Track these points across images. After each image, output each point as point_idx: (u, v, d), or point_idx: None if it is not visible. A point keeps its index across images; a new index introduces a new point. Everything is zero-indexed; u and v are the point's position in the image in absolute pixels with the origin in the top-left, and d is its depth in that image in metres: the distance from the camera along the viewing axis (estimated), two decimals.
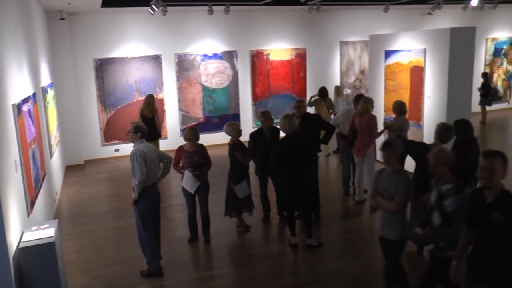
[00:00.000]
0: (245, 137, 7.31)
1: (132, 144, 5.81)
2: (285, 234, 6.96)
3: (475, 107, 15.16)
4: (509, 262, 3.47)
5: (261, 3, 11.86)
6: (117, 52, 12.33)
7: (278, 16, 14.03)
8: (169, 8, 11.24)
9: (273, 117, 7.54)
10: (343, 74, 15.26)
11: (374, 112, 8.08)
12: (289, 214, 6.59)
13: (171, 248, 6.66)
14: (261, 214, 7.65)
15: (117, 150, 12.51)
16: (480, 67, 17.36)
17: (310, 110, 11.79)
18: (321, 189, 7.81)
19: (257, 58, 13.85)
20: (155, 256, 5.91)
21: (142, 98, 11.16)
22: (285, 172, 6.27)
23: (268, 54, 13.98)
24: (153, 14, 11.01)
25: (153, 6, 10.34)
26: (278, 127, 7.08)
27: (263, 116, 7.34)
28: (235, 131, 6.87)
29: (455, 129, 5.94)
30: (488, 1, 14.76)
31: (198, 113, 13.38)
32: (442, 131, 5.75)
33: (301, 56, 14.41)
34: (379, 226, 4.91)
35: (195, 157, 6.53)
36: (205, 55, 13.22)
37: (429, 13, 15.45)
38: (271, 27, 14.04)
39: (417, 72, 9.45)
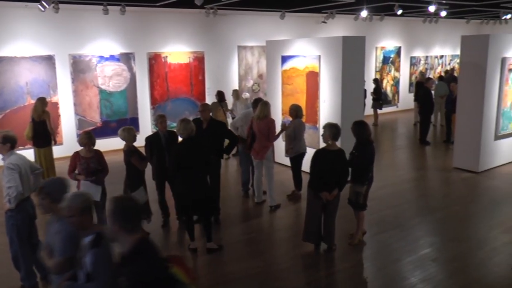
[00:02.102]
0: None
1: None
2: (185, 239, 6.95)
3: (368, 110, 16.25)
4: None
5: (158, 4, 11.74)
6: (4, 51, 11.44)
7: (176, 18, 13.95)
8: (61, 6, 10.73)
9: (168, 121, 7.53)
10: (241, 78, 15.55)
11: (272, 116, 8.34)
12: (187, 218, 6.60)
13: None
14: (160, 220, 7.57)
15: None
16: (371, 74, 18.61)
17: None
18: (221, 191, 7.92)
19: (155, 61, 13.65)
20: (30, 272, 5.59)
21: (35, 101, 10.51)
22: (182, 176, 6.28)
23: (166, 56, 13.84)
24: (43, 11, 10.44)
25: (43, 2, 9.79)
26: (175, 130, 7.08)
27: (158, 119, 7.30)
28: (130, 136, 6.74)
29: (354, 129, 6.48)
30: (376, 13, 15.86)
31: (95, 117, 12.89)
32: (336, 130, 6.19)
33: (199, 60, 14.44)
34: None
35: (91, 163, 6.32)
36: (102, 57, 12.77)
37: (324, 22, 16.24)
38: (168, 30, 13.92)
39: (312, 77, 9.91)
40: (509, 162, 11.00)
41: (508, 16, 18.56)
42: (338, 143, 8.80)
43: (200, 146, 6.36)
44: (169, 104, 14.00)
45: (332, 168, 6.10)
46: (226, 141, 7.79)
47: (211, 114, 7.65)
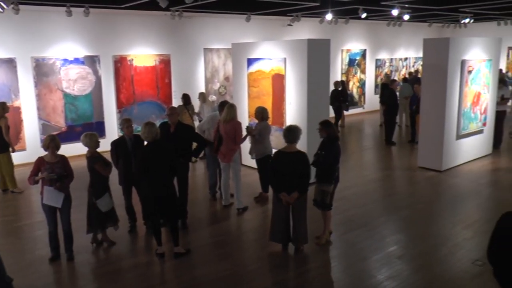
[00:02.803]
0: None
1: None
2: (152, 244, 6.85)
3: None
4: None
5: (123, 6, 11.59)
6: None
7: (141, 21, 13.81)
8: (22, 7, 10.47)
9: (134, 125, 7.44)
10: (208, 81, 15.50)
11: (239, 118, 8.35)
12: (154, 223, 6.52)
13: (31, 270, 6.20)
14: (127, 226, 7.47)
15: None
16: (337, 76, 18.85)
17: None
18: (189, 195, 7.86)
19: (120, 64, 13.48)
20: None
21: None
22: (148, 180, 6.22)
23: (132, 59, 13.67)
24: (2, 12, 10.15)
25: (1, 3, 9.52)
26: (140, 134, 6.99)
27: (123, 124, 7.20)
28: (92, 142, 6.59)
29: (320, 129, 6.59)
30: (341, 16, 16.08)
31: (59, 122, 12.60)
32: (292, 133, 6.26)
33: (165, 63, 14.33)
34: None
35: (56, 169, 6.18)
36: (66, 60, 12.51)
37: (289, 25, 16.35)
38: (134, 32, 13.76)
39: (278, 80, 9.96)
40: (470, 161, 11.32)
41: (467, 20, 19.14)
42: (305, 144, 9.00)
43: (165, 149, 6.31)
44: (136, 107, 13.84)
45: (291, 170, 6.13)
46: (195, 145, 7.76)
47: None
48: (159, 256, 6.48)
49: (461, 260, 6.25)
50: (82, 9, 11.51)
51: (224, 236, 7.30)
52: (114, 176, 6.97)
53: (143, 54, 13.90)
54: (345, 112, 16.88)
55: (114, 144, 7.24)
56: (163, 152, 6.26)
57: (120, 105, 13.56)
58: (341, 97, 15.91)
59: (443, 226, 7.55)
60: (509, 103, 13.18)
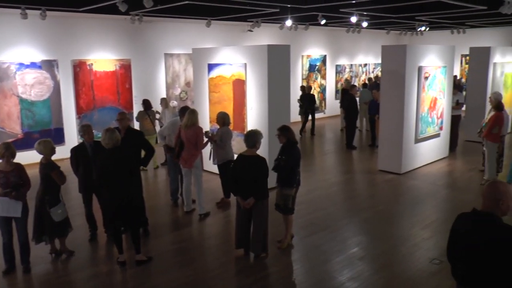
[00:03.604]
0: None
1: None
2: (113, 252, 6.71)
3: (296, 116, 16.59)
4: None
5: (81, 10, 11.37)
6: None
7: (101, 24, 13.58)
8: None
9: (95, 131, 7.27)
10: (169, 86, 15.38)
11: (200, 124, 8.30)
12: (115, 230, 6.39)
13: None
14: (87, 234, 7.29)
15: None
16: (298, 81, 19.04)
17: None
18: (150, 201, 7.77)
19: (79, 68, 13.19)
20: None
21: None
22: (109, 188, 6.10)
23: (92, 64, 13.41)
24: None
25: None
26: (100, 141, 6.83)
27: (83, 130, 7.03)
28: (47, 149, 6.35)
29: (279, 134, 6.62)
30: (301, 22, 16.27)
31: (15, 129, 12.19)
32: (252, 138, 6.30)
33: (125, 67, 14.13)
34: None
35: (11, 177, 5.96)
36: (21, 64, 12.13)
37: (250, 30, 16.44)
38: (93, 36, 13.51)
39: (239, 85, 9.97)
40: (428, 163, 11.63)
41: (423, 28, 19.73)
42: (266, 149, 9.04)
43: (125, 155, 6.22)
44: (96, 113, 13.56)
45: (249, 175, 6.15)
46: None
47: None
48: (121, 264, 6.35)
49: (420, 259, 6.41)
50: (39, 11, 11.21)
51: (186, 242, 7.22)
52: (72, 184, 6.78)
53: (103, 59, 13.66)
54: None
55: (74, 150, 7.04)
56: (124, 158, 6.17)
57: (79, 110, 13.26)
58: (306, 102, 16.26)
59: (403, 227, 7.72)
60: (463, 108, 13.63)
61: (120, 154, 6.18)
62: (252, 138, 6.29)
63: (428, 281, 5.83)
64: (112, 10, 10.67)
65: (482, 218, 3.37)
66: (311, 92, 16.70)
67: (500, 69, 14.51)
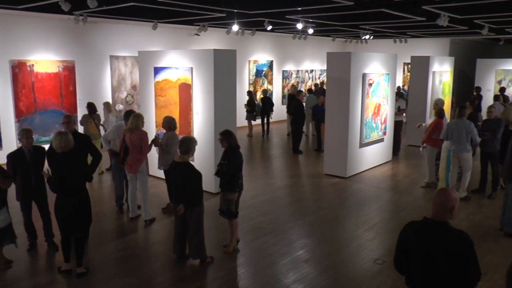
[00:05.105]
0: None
1: None
2: (55, 262, 6.47)
3: (243, 121, 16.64)
4: None
5: (20, 7, 10.90)
6: None
7: (42, 24, 13.08)
8: None
9: (36, 135, 6.96)
10: (114, 89, 15.04)
11: (146, 128, 8.15)
12: (66, 238, 6.12)
13: None
14: (26, 244, 6.94)
15: None
16: (245, 86, 19.11)
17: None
18: (95, 208, 7.47)
19: (19, 69, 12.62)
20: None
21: None
22: (65, 194, 5.90)
23: (33, 65, 12.87)
24: None
25: None
26: (43, 146, 6.56)
27: (22, 134, 6.66)
28: None
29: (221, 139, 6.63)
30: (247, 28, 16.36)
31: None
32: (190, 144, 6.30)
33: (69, 69, 13.67)
34: None
35: None
36: None
37: (197, 34, 16.36)
38: (34, 36, 12.98)
39: (185, 89, 9.88)
40: (373, 167, 11.96)
41: (367, 37, 20.32)
42: (212, 154, 9.02)
43: (80, 159, 6.08)
44: (37, 116, 13.02)
45: (178, 181, 6.13)
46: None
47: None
48: (66, 273, 6.09)
49: (364, 260, 6.57)
50: None
51: (131, 250, 7.05)
52: (10, 191, 6.45)
53: (45, 60, 13.14)
54: (253, 122, 17.23)
55: (11, 156, 6.66)
56: (78, 162, 6.02)
57: (19, 114, 12.68)
58: (249, 107, 16.49)
59: (348, 228, 7.89)
60: (404, 114, 14.13)
61: (75, 158, 6.00)
62: (186, 144, 6.26)
63: (371, 281, 5.98)
64: (55, 9, 10.32)
65: (437, 228, 3.40)
66: (266, 95, 17.30)
67: (439, 78, 15.16)
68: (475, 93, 17.84)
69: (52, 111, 13.33)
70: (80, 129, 11.60)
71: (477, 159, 9.70)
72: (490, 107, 9.69)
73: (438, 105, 10.61)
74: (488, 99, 17.83)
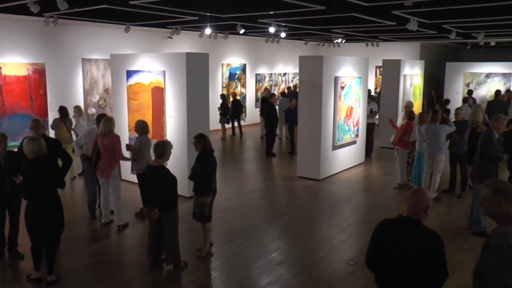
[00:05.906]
0: None
1: None
2: (22, 270, 6.34)
3: (216, 124, 16.62)
4: None
5: None
6: None
7: (11, 25, 12.81)
8: None
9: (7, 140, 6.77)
10: (87, 93, 14.83)
11: (119, 132, 8.07)
12: (37, 246, 5.99)
13: None
14: None
15: None
16: (218, 89, 19.10)
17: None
18: (67, 214, 7.26)
19: None
20: None
21: None
22: (36, 200, 5.79)
23: (1, 68, 12.60)
24: None
25: None
26: (15, 150, 6.41)
27: None
28: None
29: (195, 142, 6.61)
30: (220, 31, 16.37)
31: None
32: (165, 148, 6.28)
33: (39, 72, 13.43)
34: None
35: None
36: None
37: (169, 37, 16.28)
38: (3, 38, 12.69)
39: (158, 93, 9.82)
40: (346, 169, 12.11)
41: (339, 40, 20.56)
42: (185, 157, 8.99)
43: (51, 165, 5.99)
44: (6, 120, 12.74)
45: (153, 185, 6.12)
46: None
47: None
48: (36, 281, 5.96)
49: (337, 261, 6.66)
50: None
51: (104, 256, 6.96)
52: None
53: (13, 62, 12.86)
54: (226, 125, 17.27)
55: None
56: (50, 168, 5.94)
57: None
58: (223, 110, 16.64)
59: (321, 230, 7.98)
60: (376, 116, 14.35)
61: (47, 163, 5.91)
62: (160, 148, 6.24)
63: (344, 281, 6.05)
64: (23, 10, 10.13)
65: (411, 226, 3.49)
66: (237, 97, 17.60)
67: (410, 81, 15.45)
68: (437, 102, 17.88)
69: (22, 115, 13.06)
70: (51, 133, 11.44)
71: (446, 160, 9.90)
72: (457, 109, 9.96)
73: (409, 107, 10.82)
74: (457, 102, 18.26)
